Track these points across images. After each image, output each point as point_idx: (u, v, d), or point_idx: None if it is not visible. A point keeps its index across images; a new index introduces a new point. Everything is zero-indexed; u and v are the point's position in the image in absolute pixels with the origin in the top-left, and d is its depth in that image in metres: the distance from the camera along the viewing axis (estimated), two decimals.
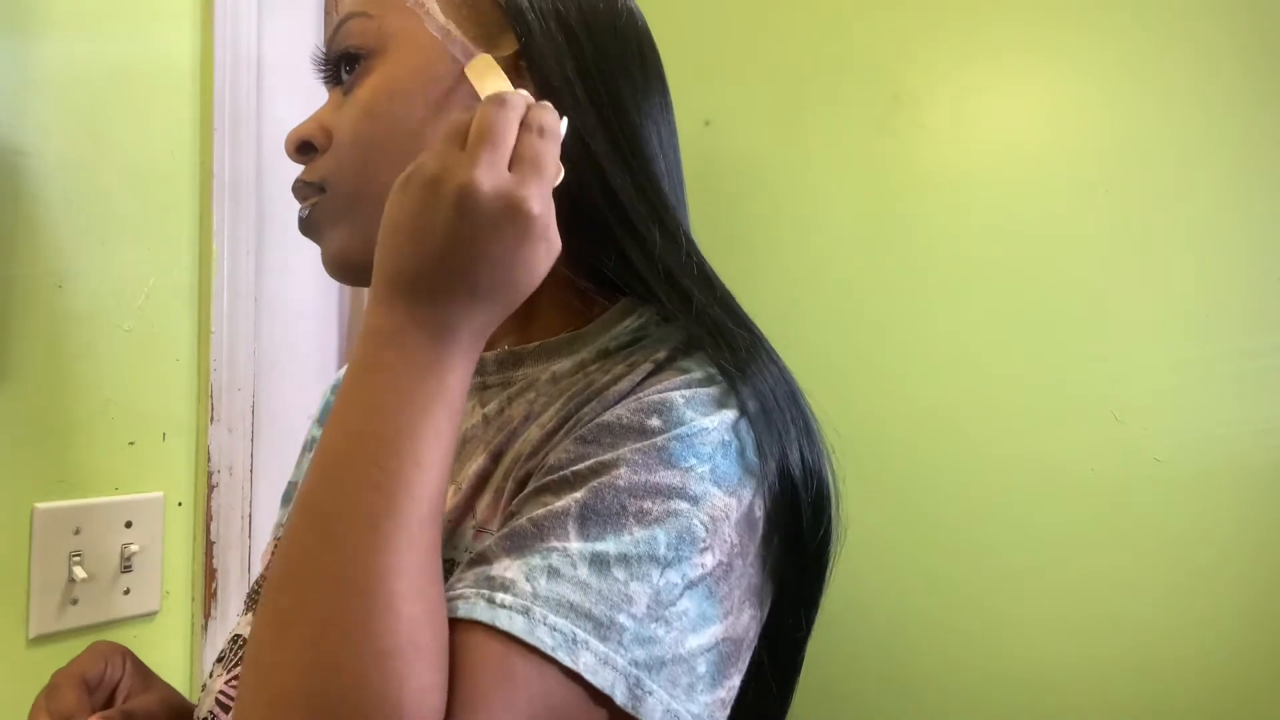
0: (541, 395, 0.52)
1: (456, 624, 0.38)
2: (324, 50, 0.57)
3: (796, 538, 0.49)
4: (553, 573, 0.40)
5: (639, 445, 0.44)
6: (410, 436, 0.39)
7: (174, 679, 0.96)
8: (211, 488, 0.99)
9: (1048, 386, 1.20)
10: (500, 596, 0.39)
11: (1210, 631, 1.11)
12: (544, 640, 0.38)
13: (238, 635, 0.58)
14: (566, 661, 0.38)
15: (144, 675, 0.59)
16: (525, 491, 0.45)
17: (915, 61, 1.31)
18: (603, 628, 0.39)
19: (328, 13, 1.18)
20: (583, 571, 0.40)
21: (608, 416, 0.46)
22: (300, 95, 1.15)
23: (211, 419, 0.99)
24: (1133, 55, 1.19)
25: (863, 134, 1.34)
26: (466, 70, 0.51)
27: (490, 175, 0.41)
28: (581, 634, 0.38)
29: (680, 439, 0.44)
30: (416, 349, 0.41)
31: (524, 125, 0.44)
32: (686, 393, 0.46)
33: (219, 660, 0.58)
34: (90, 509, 0.88)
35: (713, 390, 0.47)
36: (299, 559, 0.38)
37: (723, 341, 0.49)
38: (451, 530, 0.50)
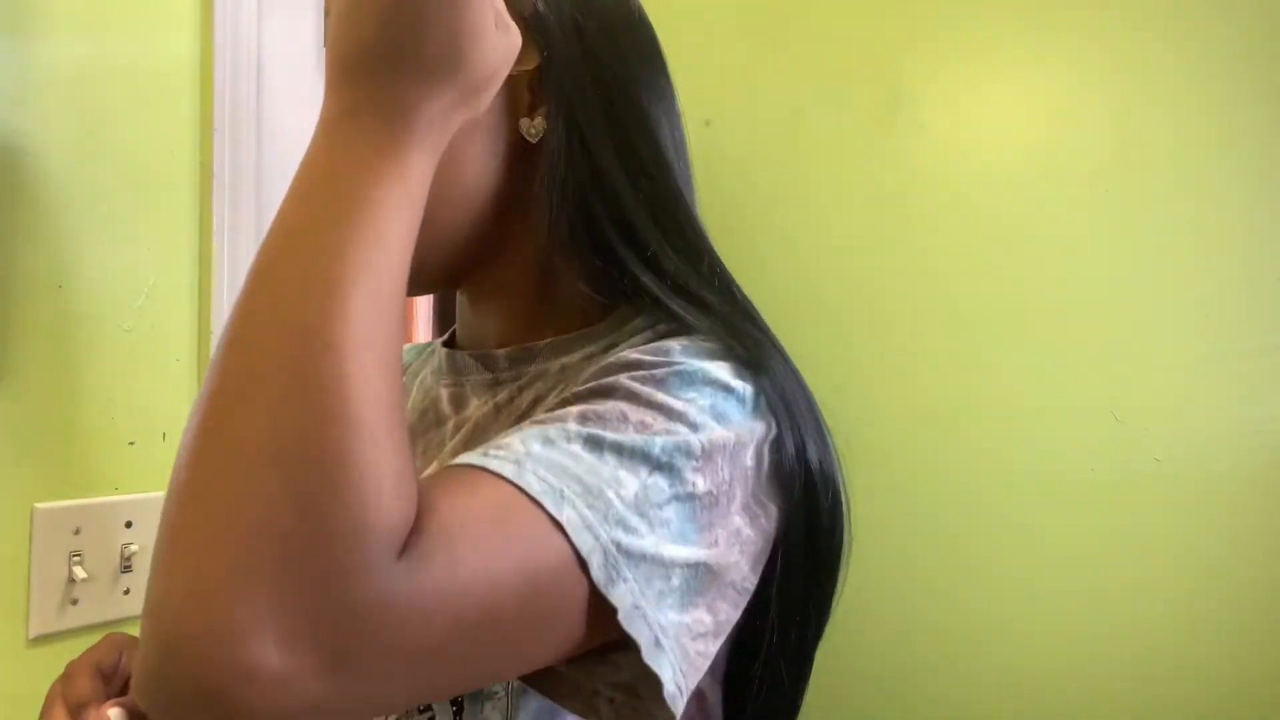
0: (550, 384, 0.53)
1: (447, 468, 0.38)
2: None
3: (811, 539, 0.49)
4: (547, 441, 0.40)
5: (638, 374, 0.44)
6: (370, 209, 0.38)
7: None
8: None
9: (1048, 386, 1.20)
10: (492, 452, 0.39)
11: (1211, 631, 1.11)
12: (531, 484, 0.37)
13: None
14: (551, 509, 0.37)
15: None
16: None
17: (915, 61, 1.31)
18: (590, 494, 0.38)
19: (328, 13, 1.17)
20: (576, 446, 0.40)
21: (609, 359, 0.47)
22: (300, 95, 1.15)
23: None
24: (1133, 55, 1.19)
25: (863, 134, 1.34)
26: None
27: None
28: (569, 491, 0.38)
29: (679, 374, 0.45)
30: (372, 128, 0.39)
31: None
32: (684, 342, 0.47)
33: None
34: (90, 509, 0.88)
35: (711, 346, 0.48)
36: (258, 322, 0.35)
37: (738, 342, 0.50)
38: None
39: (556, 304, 0.56)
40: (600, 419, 0.41)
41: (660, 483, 0.41)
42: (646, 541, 0.39)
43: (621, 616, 0.38)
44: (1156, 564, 1.14)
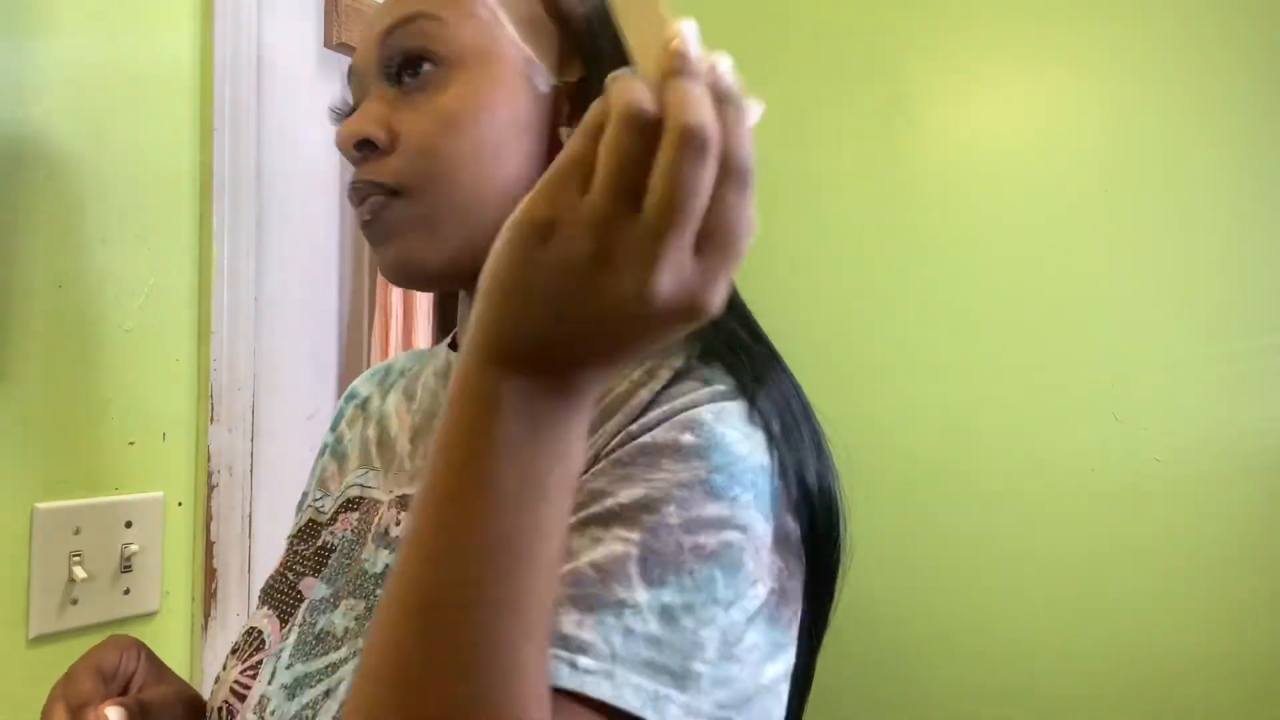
0: None
1: None
2: (380, 44, 0.54)
3: (808, 552, 0.50)
4: (627, 632, 0.40)
5: (683, 479, 0.43)
6: (545, 534, 0.35)
7: None
8: (211, 488, 0.99)
9: (1048, 386, 1.20)
10: (582, 660, 0.39)
11: (1210, 630, 1.11)
12: (631, 701, 0.38)
13: (253, 628, 0.58)
14: (654, 719, 0.38)
15: (157, 668, 0.60)
16: (571, 521, 0.43)
17: (916, 63, 1.31)
18: (680, 679, 0.40)
19: (328, 13, 1.18)
20: (654, 626, 0.40)
21: (643, 438, 0.45)
22: (300, 95, 1.15)
23: (211, 419, 0.99)
24: (1132, 57, 1.19)
25: (863, 135, 1.34)
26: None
27: (674, 274, 0.31)
28: (663, 689, 0.39)
29: (721, 471, 0.44)
30: (543, 416, 0.35)
31: (724, 170, 0.33)
32: (713, 408, 0.46)
33: (233, 652, 0.58)
34: (90, 509, 0.88)
35: (738, 405, 0.47)
36: (431, 678, 0.34)
37: (740, 354, 0.50)
38: None
39: None
40: (661, 561, 0.41)
41: (735, 617, 0.42)
42: (744, 679, 0.41)
43: None
44: (1156, 563, 1.14)
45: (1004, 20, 1.26)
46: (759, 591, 0.44)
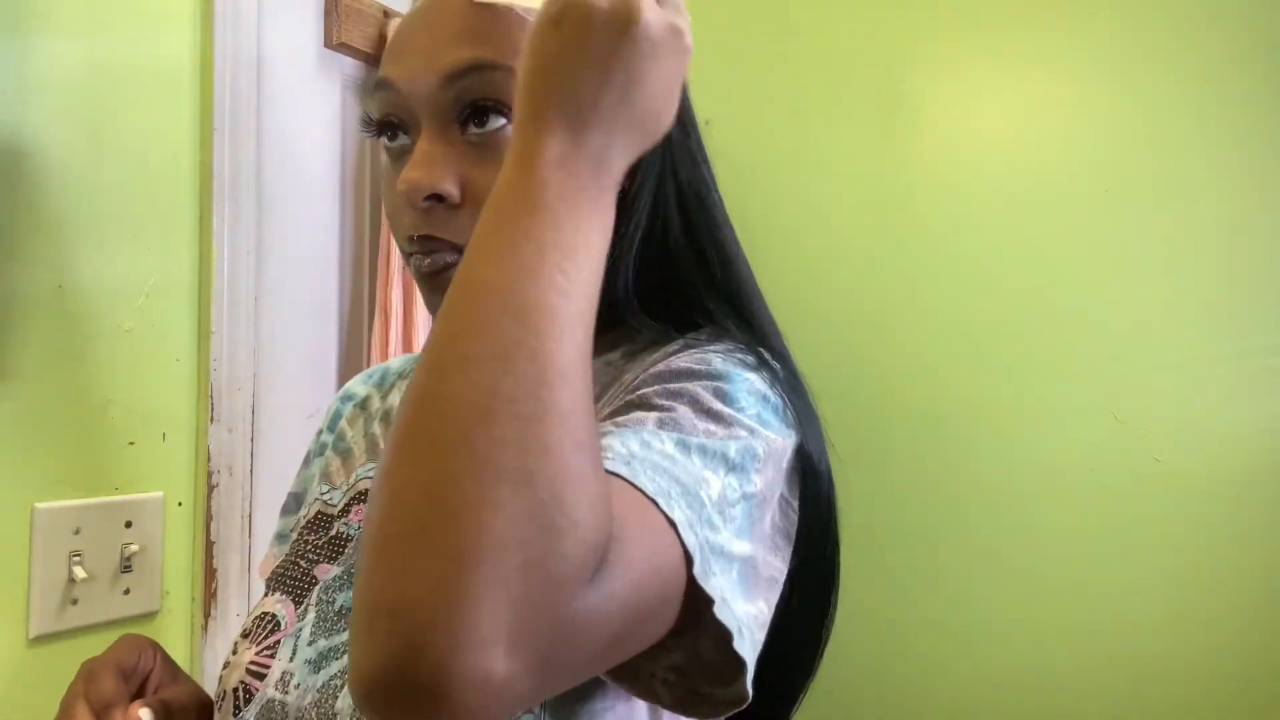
0: None
1: None
2: (446, 85, 0.53)
3: (809, 513, 0.53)
4: (644, 444, 0.43)
5: (697, 382, 0.48)
6: (585, 256, 0.40)
7: None
8: (211, 488, 0.99)
9: (1048, 386, 1.20)
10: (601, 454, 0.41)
11: (1210, 630, 1.12)
12: (646, 485, 0.40)
13: (266, 613, 0.58)
14: (665, 508, 0.40)
15: (172, 668, 0.61)
16: None
17: (916, 63, 1.31)
18: (688, 494, 0.42)
19: (328, 13, 1.18)
20: (670, 447, 0.43)
21: (658, 368, 0.50)
22: (300, 95, 1.15)
23: (211, 419, 0.99)
24: (1132, 58, 1.19)
25: (864, 135, 1.34)
26: None
27: (652, 8, 0.43)
28: (674, 492, 0.41)
29: (730, 381, 0.49)
30: (582, 174, 0.42)
31: None
32: (720, 353, 0.51)
33: (244, 636, 0.58)
34: (90, 509, 0.88)
35: (744, 355, 0.52)
36: (502, 340, 0.37)
37: (746, 334, 0.55)
38: None
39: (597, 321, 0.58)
40: (677, 425, 0.45)
41: (734, 482, 0.45)
42: (723, 537, 0.43)
43: (716, 609, 0.40)
44: (1157, 563, 1.14)
45: (1004, 21, 1.26)
46: (756, 480, 0.46)
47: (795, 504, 0.52)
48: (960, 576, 1.25)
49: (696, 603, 0.40)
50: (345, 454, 0.68)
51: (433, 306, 0.55)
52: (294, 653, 0.54)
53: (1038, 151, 1.24)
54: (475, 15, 0.52)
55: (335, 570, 0.57)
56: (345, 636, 0.52)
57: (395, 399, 0.68)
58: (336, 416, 0.74)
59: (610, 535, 0.36)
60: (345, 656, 0.51)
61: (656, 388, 0.47)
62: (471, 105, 0.52)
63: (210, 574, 0.99)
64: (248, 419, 1.03)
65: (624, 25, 0.42)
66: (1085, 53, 1.21)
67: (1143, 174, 1.17)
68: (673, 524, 0.39)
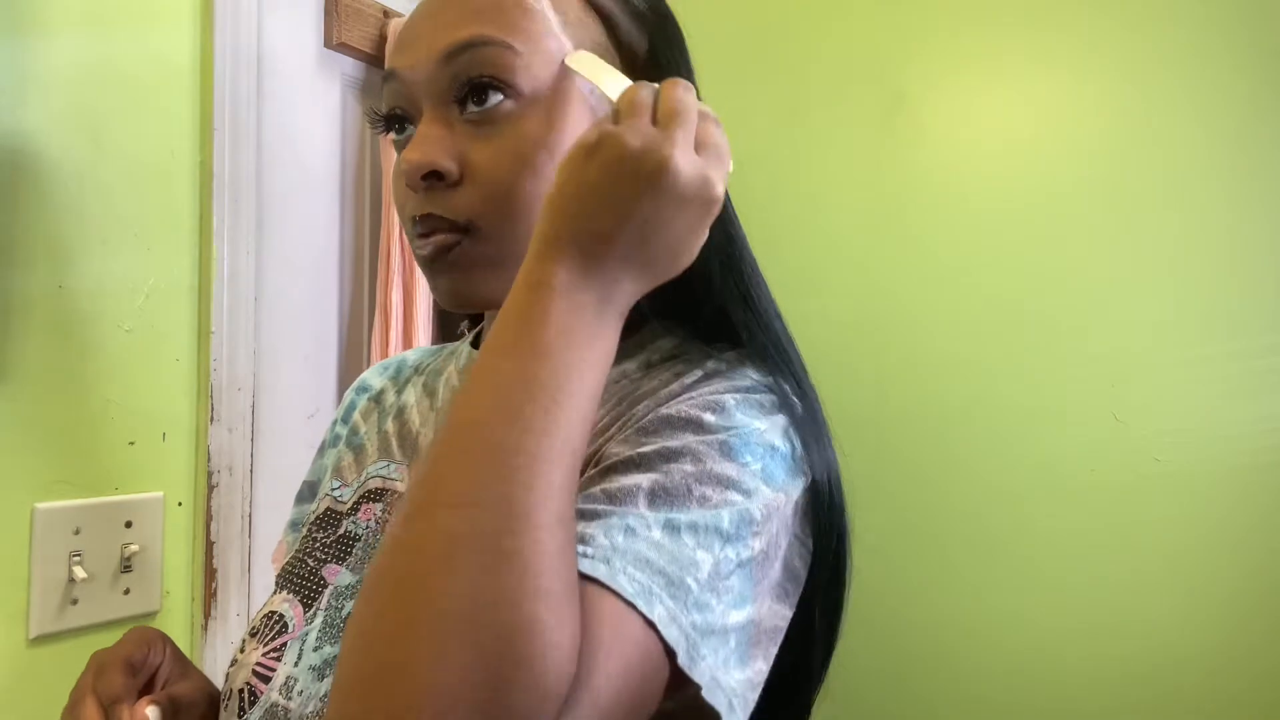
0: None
1: None
2: (443, 63, 0.52)
3: (823, 546, 0.52)
4: (629, 531, 0.42)
5: (700, 437, 0.47)
6: (575, 391, 0.40)
7: None
8: (211, 488, 0.99)
9: (1048, 386, 1.20)
10: (581, 548, 0.41)
11: (1210, 630, 1.12)
12: (625, 587, 0.40)
13: (273, 612, 0.58)
14: (644, 610, 0.39)
15: (182, 662, 0.61)
16: (588, 475, 0.47)
17: (916, 62, 1.31)
18: (673, 586, 0.41)
19: (328, 13, 1.18)
20: (656, 533, 0.43)
21: (666, 410, 0.49)
22: (300, 95, 1.15)
23: (211, 419, 0.99)
24: (1131, 56, 1.19)
25: (863, 134, 1.34)
26: (569, 62, 0.52)
27: (687, 155, 0.43)
28: (656, 588, 0.41)
29: (738, 435, 0.48)
30: (586, 306, 0.42)
31: (700, 113, 0.46)
32: (737, 396, 0.50)
33: (252, 635, 0.58)
34: (90, 509, 0.88)
35: (761, 397, 0.51)
36: (468, 486, 0.37)
37: (772, 362, 0.54)
38: None
39: None
40: (669, 496, 0.44)
41: (730, 553, 0.44)
42: (716, 614, 0.43)
43: (704, 692, 0.41)
44: (1156, 563, 1.14)
45: (1004, 20, 1.26)
46: (754, 544, 0.46)
47: (810, 540, 0.52)
48: (960, 576, 1.25)
49: (687, 684, 0.41)
50: (358, 449, 0.67)
51: (437, 292, 0.55)
52: (299, 657, 0.53)
53: (1037, 152, 1.24)
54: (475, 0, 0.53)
55: (346, 576, 0.57)
56: None
57: (410, 395, 0.67)
58: (350, 408, 0.73)
59: (578, 663, 0.36)
60: None
61: (658, 445, 0.46)
62: (469, 83, 0.52)
63: (210, 574, 0.99)
64: (248, 419, 1.03)
65: (654, 173, 0.42)
66: (1085, 53, 1.21)
67: (1143, 174, 1.17)
68: (652, 624, 0.39)
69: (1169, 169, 1.16)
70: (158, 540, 0.94)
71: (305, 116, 1.15)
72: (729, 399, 0.49)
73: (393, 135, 0.57)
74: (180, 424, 0.97)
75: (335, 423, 0.74)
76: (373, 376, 0.74)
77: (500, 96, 0.52)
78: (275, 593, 0.60)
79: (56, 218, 0.87)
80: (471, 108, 0.52)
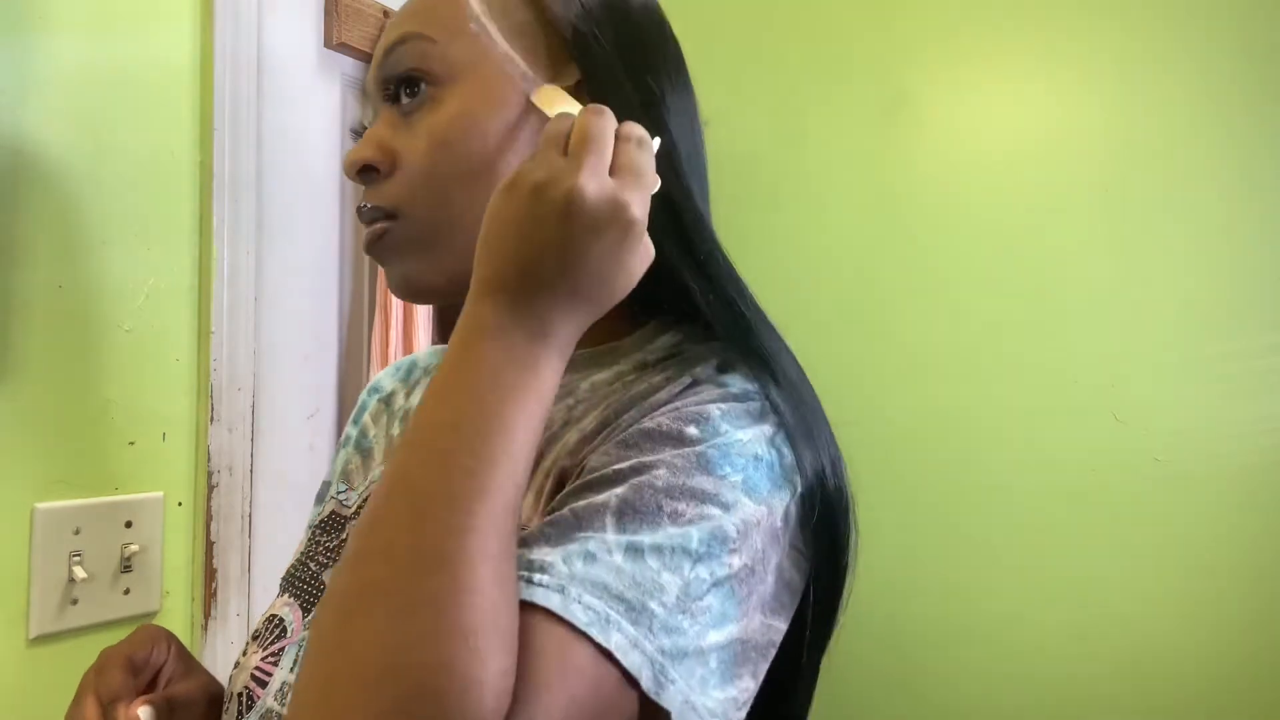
0: (581, 402, 0.54)
1: None
2: (379, 66, 0.56)
3: (821, 549, 0.51)
4: (589, 557, 0.41)
5: (678, 451, 0.46)
6: (505, 428, 0.41)
7: None
8: (211, 488, 0.99)
9: (1048, 386, 1.20)
10: (537, 576, 0.40)
11: (1210, 630, 1.11)
12: (578, 617, 0.39)
13: (274, 615, 0.58)
14: (599, 638, 0.39)
15: (186, 661, 0.61)
16: (566, 490, 0.47)
17: (916, 62, 1.31)
18: (634, 611, 0.41)
19: (328, 13, 1.18)
20: (618, 558, 0.42)
21: (647, 423, 0.48)
22: (300, 95, 1.15)
23: (211, 419, 0.99)
24: (1132, 56, 1.19)
25: (863, 134, 1.34)
26: (534, 98, 0.53)
27: (595, 181, 0.43)
28: (614, 615, 0.40)
29: (717, 448, 0.46)
30: (517, 344, 0.43)
31: (620, 136, 0.46)
32: (723, 406, 0.49)
33: (254, 638, 0.58)
34: (90, 509, 0.88)
35: (749, 405, 0.50)
36: (388, 533, 0.38)
37: (759, 362, 0.52)
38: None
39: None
40: (637, 515, 0.43)
41: (701, 574, 0.43)
42: (690, 636, 0.42)
43: (675, 717, 0.41)
44: (1157, 562, 1.14)
45: (1004, 19, 1.26)
46: (732, 561, 0.45)
47: (808, 550, 0.51)
48: (960, 576, 1.24)
49: (660, 710, 0.41)
50: (366, 453, 0.67)
51: (389, 282, 0.58)
52: (295, 663, 0.54)
53: (1038, 151, 1.24)
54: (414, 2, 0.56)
55: None
56: None
57: (419, 398, 0.67)
58: (362, 409, 0.73)
59: (519, 697, 0.36)
60: None
61: (633, 461, 0.46)
62: (399, 77, 0.55)
63: (210, 574, 0.99)
64: (248, 419, 1.03)
65: (561, 202, 0.43)
66: (1085, 52, 1.21)
67: (1143, 173, 1.17)
68: (607, 652, 0.39)
69: (1169, 169, 1.16)
70: (158, 540, 0.94)
71: (305, 116, 1.15)
72: (714, 409, 0.48)
73: None
74: (180, 424, 0.97)
75: (350, 424, 0.74)
76: (385, 378, 0.74)
77: (425, 85, 0.54)
78: (279, 595, 0.61)
79: (56, 218, 0.87)
80: (405, 101, 0.55)
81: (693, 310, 0.55)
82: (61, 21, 0.87)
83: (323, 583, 0.58)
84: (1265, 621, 1.10)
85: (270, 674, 0.54)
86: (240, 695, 0.55)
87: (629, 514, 0.43)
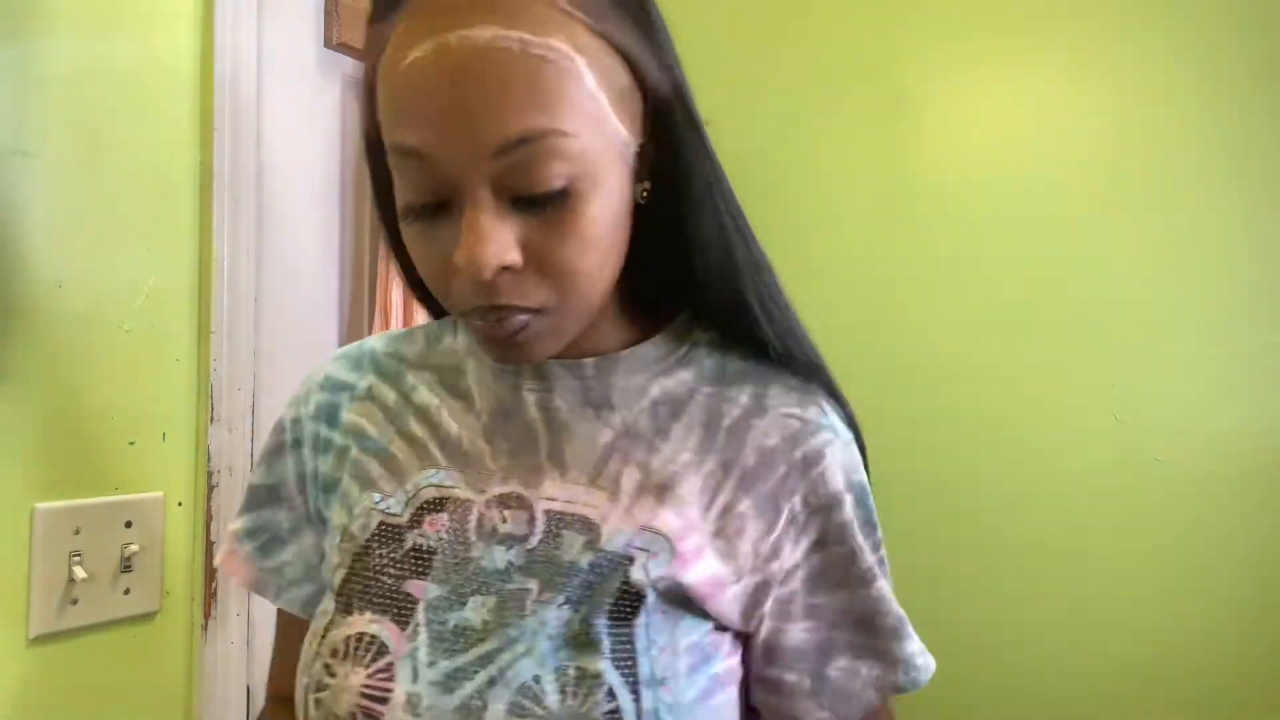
0: (662, 412, 0.59)
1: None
2: (491, 156, 0.48)
3: None
4: (901, 619, 0.64)
5: (875, 538, 0.64)
6: None
7: (174, 678, 0.96)
8: (211, 488, 0.99)
9: (1048, 386, 1.20)
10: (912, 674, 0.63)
11: (1210, 629, 1.12)
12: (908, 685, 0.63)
13: (363, 634, 0.56)
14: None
15: None
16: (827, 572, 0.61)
17: (918, 62, 1.31)
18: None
19: (328, 13, 1.18)
20: (888, 592, 0.63)
21: (839, 516, 0.61)
22: (300, 95, 1.15)
23: (211, 419, 0.99)
24: (1133, 57, 1.19)
25: (865, 134, 1.34)
26: None
27: None
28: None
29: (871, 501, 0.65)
30: None
31: None
32: (862, 470, 0.66)
33: (337, 657, 0.56)
34: (90, 509, 0.88)
35: (857, 434, 0.67)
36: None
37: (835, 391, 0.65)
38: (607, 527, 0.56)
39: (604, 315, 0.60)
40: (885, 569, 0.63)
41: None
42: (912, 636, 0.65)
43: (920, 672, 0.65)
44: (1156, 562, 1.14)
45: (1005, 21, 1.26)
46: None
47: None
48: (959, 575, 1.24)
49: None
50: (381, 455, 0.63)
51: (508, 360, 0.55)
52: (415, 675, 0.53)
53: (1038, 152, 1.24)
54: (515, 72, 0.47)
55: (431, 587, 0.56)
56: (470, 656, 0.53)
57: (425, 394, 0.64)
58: (333, 409, 0.66)
59: None
60: (479, 674, 0.52)
61: (872, 557, 0.62)
62: (527, 174, 0.48)
63: (210, 574, 0.99)
64: (248, 419, 1.03)
65: None
66: (1085, 53, 1.21)
67: (1142, 174, 1.17)
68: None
69: (1169, 169, 1.16)
70: (158, 540, 0.94)
71: (305, 116, 1.15)
72: (863, 479, 0.65)
73: (410, 215, 0.52)
74: (180, 424, 0.97)
75: (297, 422, 0.68)
76: (342, 372, 0.68)
77: (560, 184, 0.49)
78: (347, 613, 0.57)
79: (56, 217, 0.87)
80: (527, 194, 0.49)
81: (697, 299, 0.61)
82: (61, 22, 0.87)
83: (408, 594, 0.56)
84: (1265, 621, 1.10)
85: (388, 690, 0.53)
86: (353, 715, 0.54)
87: (884, 576, 0.63)
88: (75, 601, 0.87)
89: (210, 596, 0.99)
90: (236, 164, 1.01)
